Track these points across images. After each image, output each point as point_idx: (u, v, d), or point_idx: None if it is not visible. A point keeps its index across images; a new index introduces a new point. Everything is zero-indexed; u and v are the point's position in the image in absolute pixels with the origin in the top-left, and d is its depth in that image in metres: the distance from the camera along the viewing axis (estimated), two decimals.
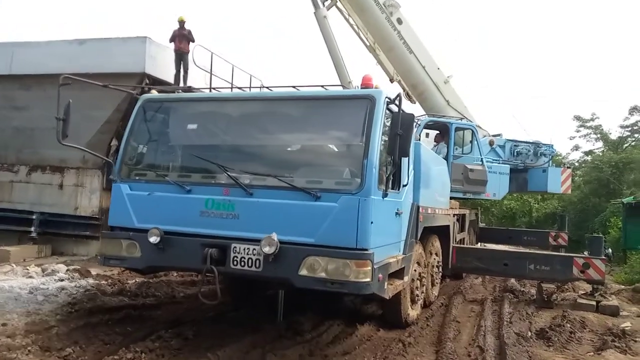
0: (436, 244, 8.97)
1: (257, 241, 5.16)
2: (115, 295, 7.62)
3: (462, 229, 11.92)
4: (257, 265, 5.29)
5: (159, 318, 6.88)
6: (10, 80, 12.97)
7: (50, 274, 8.82)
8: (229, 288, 7.99)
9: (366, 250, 5.07)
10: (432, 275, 8.71)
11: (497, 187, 12.93)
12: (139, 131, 6.39)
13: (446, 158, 11.86)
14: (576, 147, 29.95)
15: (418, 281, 7.56)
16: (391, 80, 13.94)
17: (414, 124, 5.41)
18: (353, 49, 14.29)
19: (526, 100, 58.89)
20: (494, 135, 13.93)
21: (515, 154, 13.92)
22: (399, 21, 12.45)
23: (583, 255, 9.22)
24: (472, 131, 12.44)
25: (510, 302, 9.36)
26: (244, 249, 5.34)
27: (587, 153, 29.47)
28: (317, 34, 12.51)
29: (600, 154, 26.93)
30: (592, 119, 28.10)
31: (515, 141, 14.07)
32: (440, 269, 9.26)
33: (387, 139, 5.37)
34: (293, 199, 5.31)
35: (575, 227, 22.83)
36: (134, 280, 8.70)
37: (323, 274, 5.06)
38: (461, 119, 12.76)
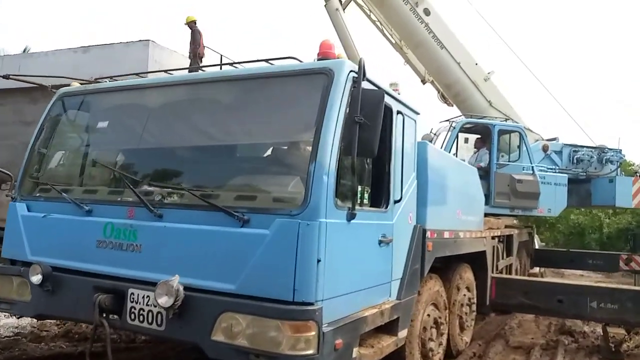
0: (466, 275, 6.81)
1: None
2: (53, 340, 6.05)
3: (508, 253, 9.59)
4: (159, 321, 3.53)
5: None
6: (19, 93, 12.21)
7: None
8: None
9: (310, 304, 3.16)
10: (460, 317, 6.56)
11: (553, 201, 10.49)
12: (51, 134, 4.82)
13: (488, 166, 9.69)
14: None
15: (434, 329, 5.47)
16: (423, 82, 11.90)
17: (383, 104, 3.45)
18: (379, 49, 12.42)
19: (611, 105, 53.36)
20: (548, 140, 11.49)
21: (575, 161, 11.40)
22: (426, 12, 10.39)
23: None
24: (520, 134, 10.13)
25: (566, 350, 7.01)
26: (144, 298, 3.60)
27: None
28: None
29: None
30: None
31: (575, 146, 11.56)
32: (474, 308, 7.07)
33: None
34: (212, 223, 3.50)
35: None
36: None
37: (244, 342, 3.20)
38: (506, 120, 10.47)
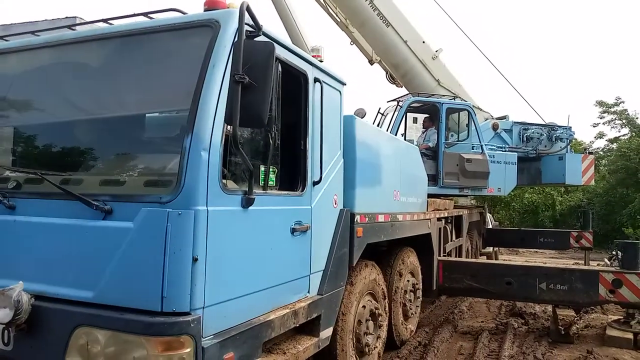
0: (410, 260, 6.22)
1: None
2: None
3: (457, 234, 9.11)
4: (5, 339, 2.75)
5: None
6: None
7: None
8: None
9: (183, 314, 2.45)
10: (404, 305, 5.98)
11: (503, 180, 10.08)
12: None
13: (436, 146, 9.15)
14: (600, 135, 26.22)
15: (370, 322, 4.86)
16: (370, 62, 11.19)
17: (273, 60, 2.72)
18: (326, 30, 11.64)
19: (562, 84, 53.70)
20: (498, 118, 11.04)
21: (525, 139, 11.01)
22: None
23: (612, 269, 6.34)
24: (469, 112, 9.60)
25: (515, 334, 6.55)
26: None
27: (612, 141, 25.73)
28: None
29: (627, 140, 23.25)
30: (617, 104, 24.42)
31: (525, 124, 11.15)
32: (419, 294, 6.51)
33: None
34: (70, 215, 2.73)
35: (602, 221, 19.73)
36: None
37: None
38: (454, 98, 9.93)
